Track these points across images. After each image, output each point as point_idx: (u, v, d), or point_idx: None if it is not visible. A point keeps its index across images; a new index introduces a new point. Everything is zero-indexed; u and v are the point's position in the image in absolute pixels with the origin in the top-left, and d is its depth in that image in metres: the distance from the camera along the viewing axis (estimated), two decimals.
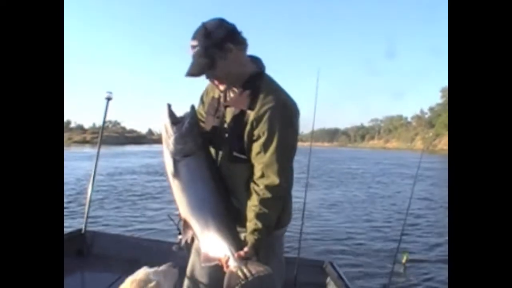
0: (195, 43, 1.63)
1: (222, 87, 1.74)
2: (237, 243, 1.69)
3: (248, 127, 1.67)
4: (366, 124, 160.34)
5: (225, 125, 1.76)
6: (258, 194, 1.66)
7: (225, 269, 1.67)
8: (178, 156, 1.70)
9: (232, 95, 1.76)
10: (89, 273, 3.03)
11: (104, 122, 3.71)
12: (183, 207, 1.76)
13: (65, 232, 3.31)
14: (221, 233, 1.69)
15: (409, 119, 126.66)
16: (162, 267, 1.90)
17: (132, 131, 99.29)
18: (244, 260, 1.65)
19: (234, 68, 1.68)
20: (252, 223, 1.66)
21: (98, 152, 3.54)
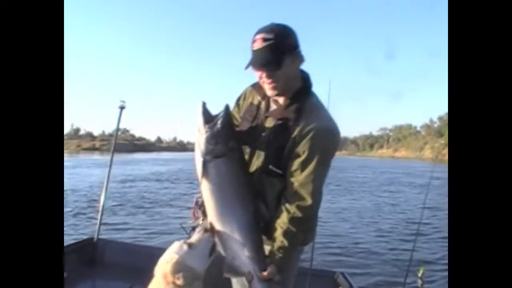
0: (270, 36, 1.56)
1: (271, 92, 1.67)
2: (262, 260, 1.65)
3: (289, 143, 1.64)
4: (375, 133, 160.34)
5: (263, 135, 1.72)
6: (288, 212, 1.63)
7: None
8: (209, 156, 1.63)
9: (274, 106, 1.74)
10: (101, 282, 3.02)
11: (118, 130, 3.68)
12: (209, 210, 1.70)
13: (77, 241, 3.33)
14: (246, 247, 1.65)
15: (418, 128, 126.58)
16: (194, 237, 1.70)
17: (141, 139, 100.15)
18: (267, 282, 1.62)
19: (292, 77, 1.67)
20: (278, 240, 1.64)
21: (111, 160, 3.52)
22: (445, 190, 17.63)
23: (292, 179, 1.63)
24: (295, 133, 1.63)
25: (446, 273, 6.21)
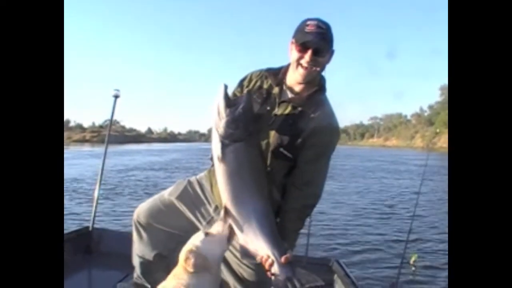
0: (324, 26, 1.69)
1: (305, 77, 1.74)
2: (281, 244, 1.65)
3: (306, 132, 1.72)
4: (366, 122, 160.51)
5: (275, 118, 1.77)
6: (302, 198, 1.74)
7: (269, 274, 1.64)
8: (228, 140, 1.63)
9: (289, 94, 1.80)
10: (97, 271, 3.02)
11: (112, 120, 3.63)
12: (225, 195, 1.69)
13: (72, 230, 3.31)
14: (263, 231, 1.64)
15: (408, 117, 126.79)
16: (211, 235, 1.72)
17: (131, 130, 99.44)
18: (289, 267, 1.61)
19: (323, 70, 1.78)
20: (293, 224, 1.75)
21: (105, 149, 3.53)
22: (434, 177, 18.03)
23: (307, 168, 1.74)
24: (313, 124, 1.72)
25: (437, 259, 6.35)
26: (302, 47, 1.69)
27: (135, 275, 2.16)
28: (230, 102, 1.65)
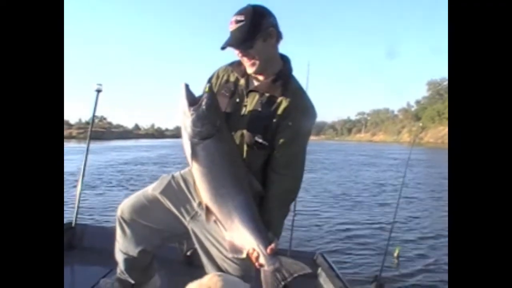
0: (241, 18, 1.66)
1: (250, 69, 1.74)
2: (264, 235, 1.63)
3: (277, 116, 1.71)
4: (353, 117, 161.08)
5: (245, 109, 1.77)
6: (283, 182, 1.72)
7: (257, 266, 1.63)
8: (196, 138, 1.63)
9: (255, 82, 1.79)
10: (80, 266, 2.97)
11: (94, 114, 3.62)
12: (203, 193, 1.68)
13: None
14: (245, 224, 1.63)
15: (395, 112, 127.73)
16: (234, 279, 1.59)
17: (118, 126, 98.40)
18: (276, 257, 1.60)
19: (269, 54, 1.74)
20: (276, 212, 1.72)
21: (88, 146, 3.52)
22: (417, 170, 18.39)
23: (284, 151, 1.72)
24: (283, 106, 1.71)
25: (421, 252, 6.46)
26: (228, 47, 1.70)
27: (118, 270, 2.14)
28: (193, 100, 1.64)
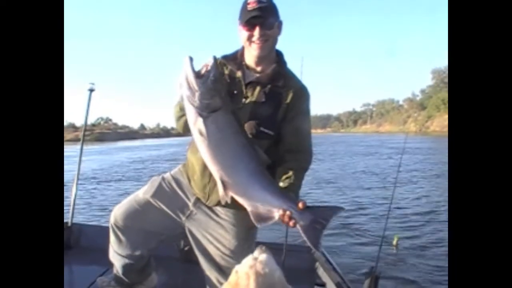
0: (265, 0, 1.73)
1: (259, 52, 1.78)
2: (289, 195, 1.61)
3: (286, 103, 1.79)
4: (358, 109, 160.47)
5: (246, 100, 1.79)
6: (296, 160, 1.77)
7: (291, 224, 1.57)
8: (206, 112, 1.57)
9: (254, 74, 1.84)
10: (76, 266, 2.98)
11: (88, 113, 3.64)
12: (217, 167, 1.62)
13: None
14: (268, 188, 1.60)
15: (400, 102, 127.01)
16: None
17: (124, 127, 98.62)
18: (308, 210, 1.57)
19: (275, 43, 1.84)
20: (295, 182, 1.70)
21: (82, 143, 3.62)
22: (420, 158, 18.46)
23: (295, 139, 1.79)
24: (290, 96, 1.79)
25: (421, 241, 6.18)
26: (249, 25, 1.74)
27: (115, 269, 2.15)
28: (198, 73, 1.58)
